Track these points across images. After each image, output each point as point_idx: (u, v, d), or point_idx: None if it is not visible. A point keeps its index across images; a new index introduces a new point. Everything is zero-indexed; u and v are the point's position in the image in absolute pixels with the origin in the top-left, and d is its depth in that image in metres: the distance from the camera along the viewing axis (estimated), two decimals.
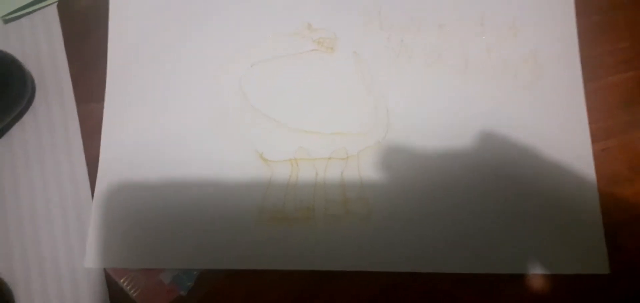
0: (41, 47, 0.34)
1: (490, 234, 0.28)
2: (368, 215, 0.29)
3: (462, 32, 0.31)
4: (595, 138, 0.29)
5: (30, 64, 0.34)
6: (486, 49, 0.31)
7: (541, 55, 0.31)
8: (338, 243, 0.28)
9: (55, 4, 0.35)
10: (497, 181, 0.29)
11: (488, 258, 0.28)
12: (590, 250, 0.27)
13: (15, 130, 0.33)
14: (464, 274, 0.28)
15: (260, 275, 0.29)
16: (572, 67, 0.30)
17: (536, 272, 0.27)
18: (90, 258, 0.30)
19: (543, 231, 0.28)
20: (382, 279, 0.28)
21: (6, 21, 0.35)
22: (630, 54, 0.31)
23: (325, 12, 0.32)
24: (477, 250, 0.28)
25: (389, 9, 0.32)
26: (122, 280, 0.29)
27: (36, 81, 0.34)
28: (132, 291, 0.29)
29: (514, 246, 0.28)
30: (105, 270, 0.30)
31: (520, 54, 0.31)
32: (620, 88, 0.30)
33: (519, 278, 0.28)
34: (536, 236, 0.28)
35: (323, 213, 0.29)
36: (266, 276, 0.29)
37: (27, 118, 0.33)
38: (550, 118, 0.30)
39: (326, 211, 0.29)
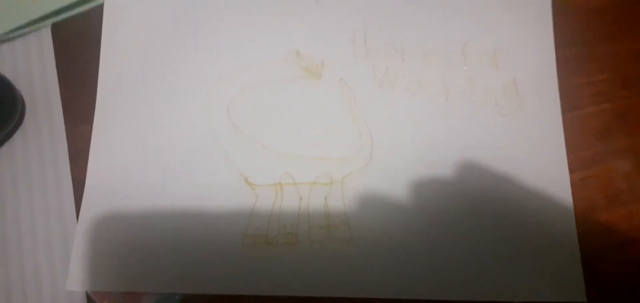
0: (33, 68, 0.35)
1: (469, 261, 0.28)
2: (350, 241, 0.29)
3: (444, 62, 0.32)
4: (572, 168, 0.30)
5: (21, 85, 0.34)
6: (467, 79, 0.32)
7: (521, 85, 0.32)
8: (320, 269, 0.29)
9: (49, 26, 0.35)
10: (476, 209, 0.29)
11: (467, 286, 0.28)
12: (567, 279, 0.28)
13: (4, 150, 0.33)
14: (443, 301, 0.28)
15: (242, 300, 0.29)
16: (551, 97, 0.31)
17: (514, 300, 0.28)
18: (72, 281, 0.30)
19: (520, 259, 0.28)
20: None
21: (0, 42, 0.35)
22: (608, 86, 0.32)
23: (313, 40, 0.33)
24: (456, 278, 0.28)
25: (375, 38, 0.33)
26: None
27: (27, 102, 0.34)
28: None
29: (492, 274, 0.28)
30: (87, 293, 0.30)
31: (500, 84, 0.32)
32: (597, 119, 0.31)
33: None
34: (514, 264, 0.28)
35: (306, 238, 0.29)
36: (248, 301, 0.29)
37: (16, 138, 0.33)
38: (529, 147, 0.30)
39: (309, 236, 0.29)
